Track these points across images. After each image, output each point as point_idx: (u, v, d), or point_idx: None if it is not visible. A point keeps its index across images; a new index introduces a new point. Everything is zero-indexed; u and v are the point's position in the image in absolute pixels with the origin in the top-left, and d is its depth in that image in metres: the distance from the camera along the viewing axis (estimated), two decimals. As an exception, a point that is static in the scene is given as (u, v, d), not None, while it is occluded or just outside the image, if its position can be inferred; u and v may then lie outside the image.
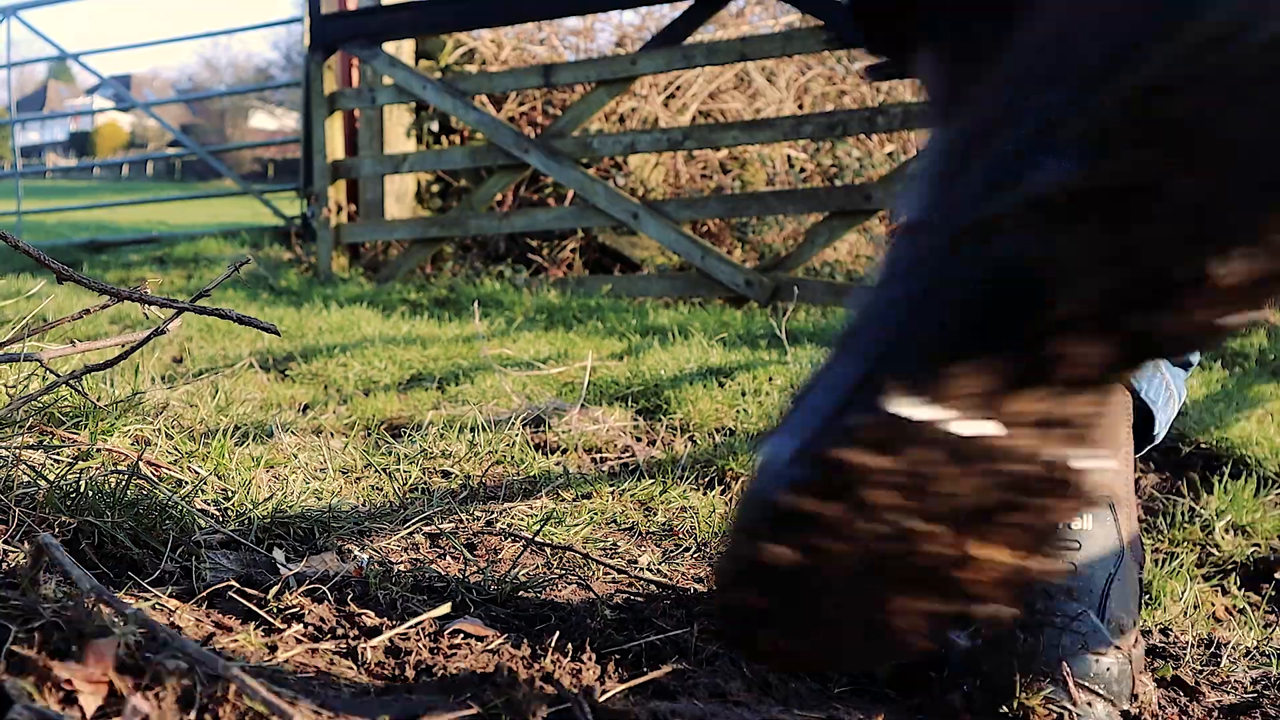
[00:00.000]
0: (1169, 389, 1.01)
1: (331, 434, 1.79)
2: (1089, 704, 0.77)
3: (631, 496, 1.42)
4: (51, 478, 1.00)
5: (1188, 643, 1.00)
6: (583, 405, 2.18)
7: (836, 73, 7.10)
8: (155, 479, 1.07)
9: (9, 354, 1.16)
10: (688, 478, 1.59)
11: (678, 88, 6.41)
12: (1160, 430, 1.02)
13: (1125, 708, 0.79)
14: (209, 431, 1.34)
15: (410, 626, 0.84)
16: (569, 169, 4.87)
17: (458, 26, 5.09)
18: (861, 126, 4.61)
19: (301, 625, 0.83)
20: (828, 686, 0.82)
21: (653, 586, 1.01)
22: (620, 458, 1.96)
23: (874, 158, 6.61)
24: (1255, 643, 1.04)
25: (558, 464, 1.58)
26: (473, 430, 1.86)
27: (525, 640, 0.84)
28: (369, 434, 1.96)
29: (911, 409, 0.50)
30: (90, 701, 0.62)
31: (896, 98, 6.85)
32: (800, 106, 6.86)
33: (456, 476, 1.40)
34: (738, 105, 6.60)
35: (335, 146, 5.49)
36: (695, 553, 1.19)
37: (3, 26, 7.30)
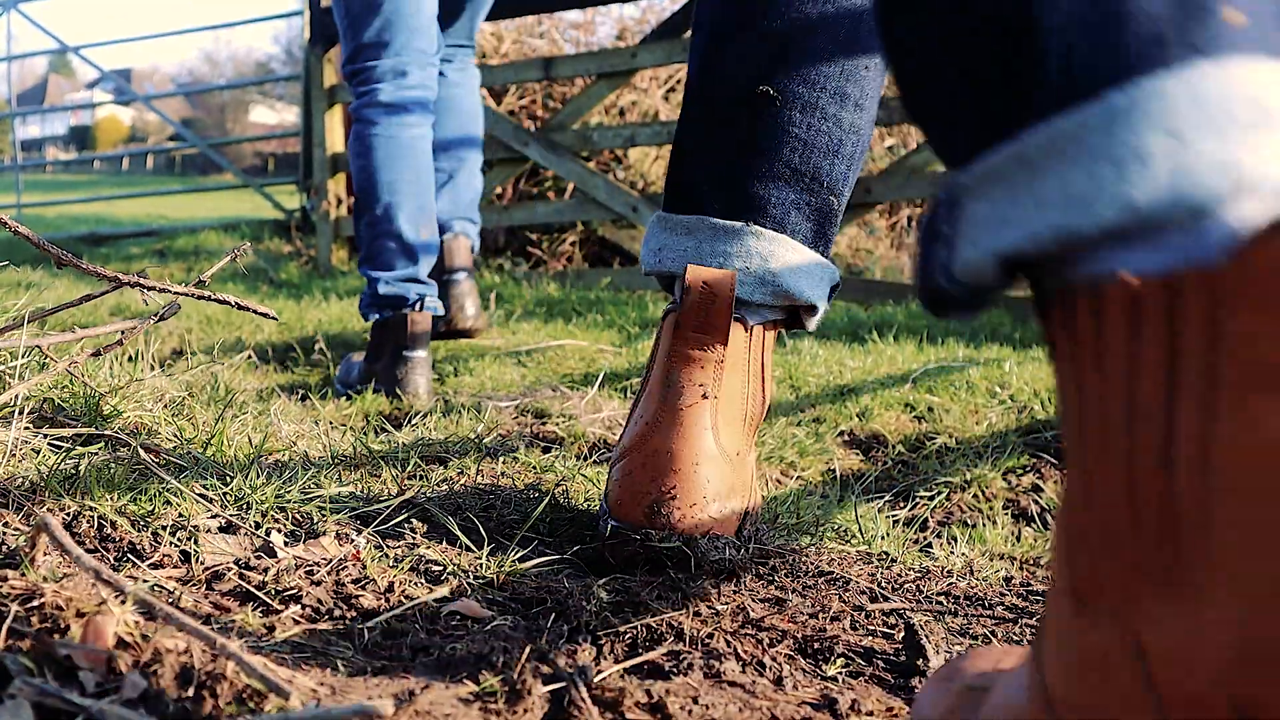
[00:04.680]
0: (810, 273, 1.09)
1: (331, 423, 1.79)
2: None
3: (629, 484, 1.43)
4: (51, 462, 1.01)
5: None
6: (583, 396, 2.19)
7: (837, 66, 7.09)
8: (154, 464, 1.07)
9: (9, 340, 1.16)
10: (685, 467, 1.60)
11: (678, 81, 6.40)
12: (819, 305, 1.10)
13: None
14: (208, 419, 1.35)
15: (408, 608, 0.85)
16: (569, 162, 4.87)
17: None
18: (861, 120, 4.60)
19: (299, 607, 0.83)
20: (822, 667, 0.83)
21: (648, 571, 1.02)
22: (618, 448, 1.96)
23: (874, 151, 6.61)
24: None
25: (559, 454, 1.58)
26: (473, 415, 1.86)
27: (522, 622, 0.85)
28: (368, 423, 1.97)
29: None
30: (90, 678, 0.63)
31: (896, 91, 6.84)
32: (800, 100, 6.85)
33: (455, 464, 1.40)
34: (738, 99, 6.58)
35: (335, 139, 5.49)
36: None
37: (3, 19, 7.30)
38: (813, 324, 1.12)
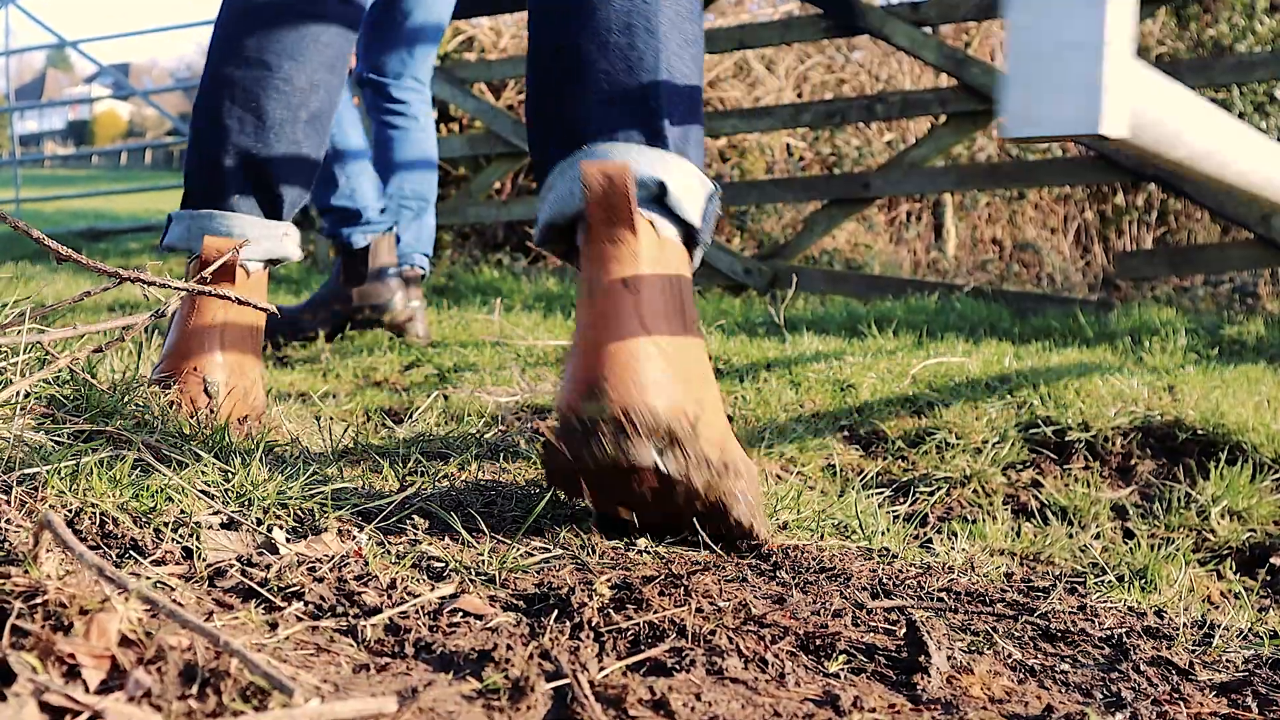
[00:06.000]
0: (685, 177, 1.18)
1: (331, 419, 1.79)
2: None
3: (630, 480, 1.42)
4: (54, 459, 1.01)
5: (1181, 624, 1.01)
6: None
7: (835, 61, 7.09)
8: (156, 460, 1.07)
9: (10, 336, 1.16)
10: (686, 462, 1.59)
11: (677, 76, 6.38)
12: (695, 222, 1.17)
13: None
14: (209, 414, 1.35)
15: (410, 605, 0.85)
16: (568, 157, 4.85)
17: (456, 14, 5.07)
18: (860, 115, 4.60)
19: (302, 604, 0.83)
20: (823, 663, 0.83)
21: (650, 567, 1.02)
22: (619, 443, 1.96)
23: (873, 146, 6.60)
24: (1248, 625, 1.05)
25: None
26: (474, 411, 1.86)
27: (524, 619, 0.85)
28: (369, 419, 1.97)
29: None
30: (93, 675, 0.63)
31: (895, 86, 6.84)
32: (799, 95, 6.85)
33: (456, 461, 1.40)
34: (736, 93, 6.59)
35: (334, 134, 5.48)
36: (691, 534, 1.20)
37: (1, 14, 7.28)
38: (693, 214, 1.16)
